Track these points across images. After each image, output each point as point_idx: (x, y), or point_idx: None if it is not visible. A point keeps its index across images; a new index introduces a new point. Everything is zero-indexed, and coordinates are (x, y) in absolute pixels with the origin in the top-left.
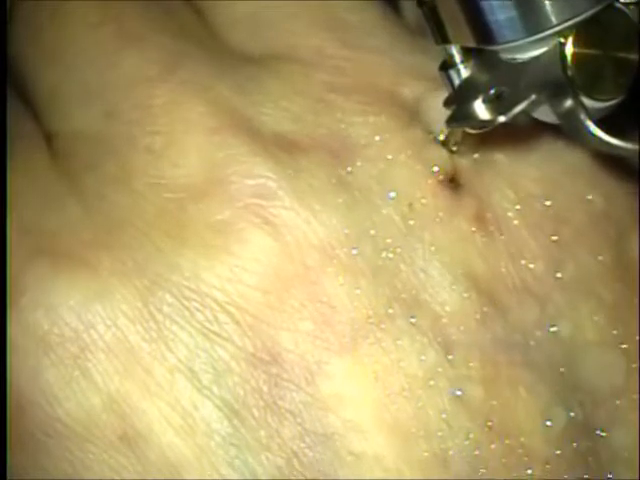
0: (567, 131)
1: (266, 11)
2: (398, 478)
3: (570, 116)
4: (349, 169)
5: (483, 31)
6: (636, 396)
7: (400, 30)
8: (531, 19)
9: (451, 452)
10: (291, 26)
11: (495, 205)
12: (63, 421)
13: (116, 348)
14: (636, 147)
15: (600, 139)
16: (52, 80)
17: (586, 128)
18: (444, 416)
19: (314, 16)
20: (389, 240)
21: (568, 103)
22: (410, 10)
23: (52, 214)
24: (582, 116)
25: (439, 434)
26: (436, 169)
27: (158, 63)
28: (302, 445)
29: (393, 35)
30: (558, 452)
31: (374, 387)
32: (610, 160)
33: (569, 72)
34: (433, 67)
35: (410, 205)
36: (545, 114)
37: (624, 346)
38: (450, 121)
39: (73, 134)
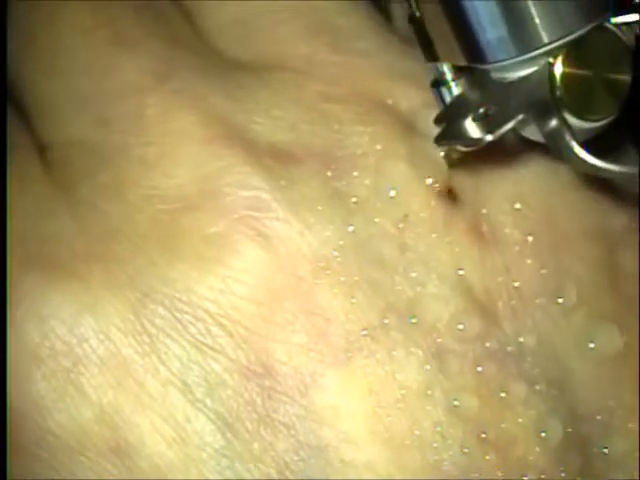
0: (553, 151)
1: (254, 16)
2: None
3: (556, 136)
4: (344, 180)
5: (473, 50)
6: (635, 406)
7: (390, 35)
8: (521, 38)
9: (445, 464)
10: (280, 32)
11: (491, 217)
12: (55, 433)
13: (109, 361)
14: (621, 169)
15: (584, 161)
16: (45, 88)
17: (571, 149)
18: (438, 428)
19: (303, 21)
20: (384, 251)
21: (554, 123)
22: (401, 16)
23: (45, 225)
24: (567, 137)
25: (434, 445)
26: (432, 180)
27: (151, 72)
28: (295, 458)
29: (384, 39)
30: (553, 463)
31: (368, 399)
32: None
33: (557, 92)
34: (425, 73)
35: (406, 216)
36: (534, 133)
37: (621, 357)
38: (440, 139)
39: (66, 144)
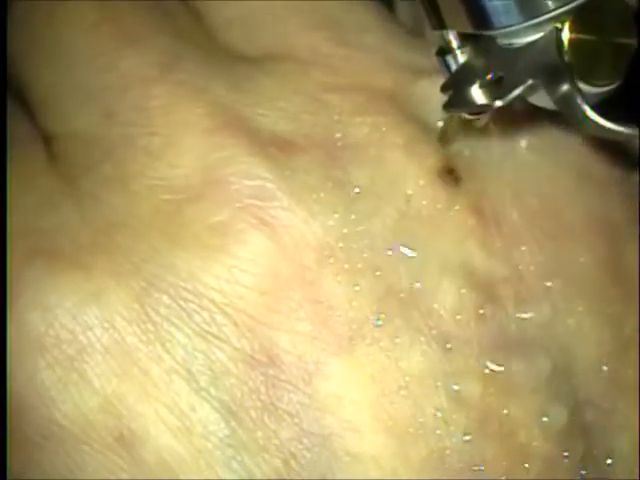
0: (564, 116)
1: (259, 11)
2: (395, 478)
3: (567, 101)
4: (346, 169)
5: (480, 16)
6: (636, 397)
7: (394, 27)
8: (528, 4)
9: (448, 451)
10: (285, 25)
11: (493, 199)
12: (59, 423)
13: (113, 350)
14: (634, 131)
15: (597, 124)
16: (49, 81)
17: (583, 113)
18: (441, 414)
19: (308, 15)
20: (387, 237)
21: (564, 88)
22: (405, 10)
23: (49, 215)
24: (579, 101)
25: (437, 432)
26: (434, 164)
27: (155, 64)
28: (300, 446)
29: (387, 32)
30: (556, 449)
31: (372, 387)
32: (607, 161)
33: (566, 57)
34: (428, 64)
35: (408, 201)
36: (542, 99)
37: (623, 347)
38: (447, 106)
39: (70, 136)
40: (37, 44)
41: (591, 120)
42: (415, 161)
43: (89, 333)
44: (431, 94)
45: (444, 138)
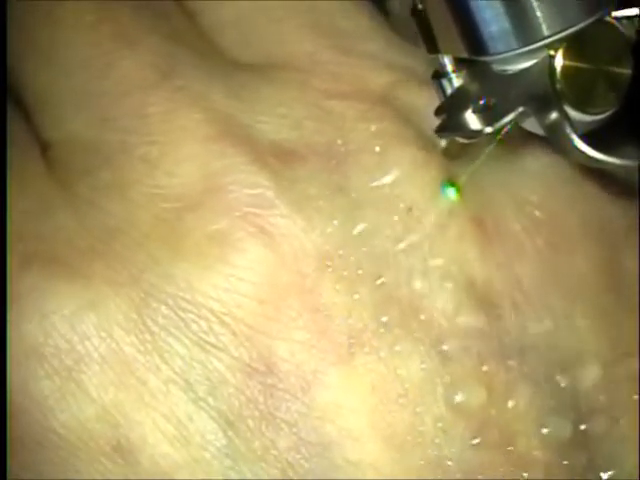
0: (553, 144)
1: (256, 15)
2: None
3: (556, 129)
4: (347, 176)
5: (475, 42)
6: (636, 406)
7: (391, 34)
8: (523, 30)
9: (447, 460)
10: (283, 31)
11: (494, 210)
12: (57, 432)
13: (111, 359)
14: (621, 162)
15: (585, 153)
16: (47, 85)
17: (571, 142)
18: (440, 424)
19: (306, 20)
20: (388, 247)
21: (554, 116)
22: (404, 18)
23: (46, 222)
24: (567, 129)
25: (436, 441)
26: (436, 174)
27: (153, 69)
28: (298, 456)
29: (386, 39)
30: (556, 459)
31: (371, 395)
32: (605, 172)
33: (558, 85)
34: (427, 72)
35: (409, 210)
36: (534, 126)
37: (621, 356)
38: (440, 130)
39: (68, 142)
40: (34, 46)
41: (579, 149)
42: (418, 170)
43: (87, 343)
44: (432, 102)
45: (447, 149)
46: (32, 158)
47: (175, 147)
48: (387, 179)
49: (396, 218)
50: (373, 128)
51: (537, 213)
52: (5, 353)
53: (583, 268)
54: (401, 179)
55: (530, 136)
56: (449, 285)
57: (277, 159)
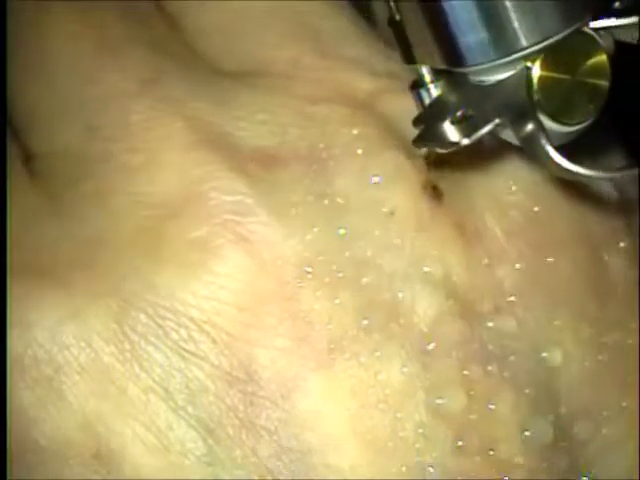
0: (529, 155)
1: (238, 20)
2: None
3: (531, 140)
4: (329, 181)
5: (452, 53)
6: (621, 407)
7: (373, 38)
8: (500, 42)
9: (428, 465)
10: (264, 36)
11: (475, 213)
12: (38, 442)
13: (90, 369)
14: (595, 174)
15: (559, 165)
16: (30, 96)
17: (546, 153)
18: (421, 430)
19: (287, 25)
20: (369, 251)
21: (530, 127)
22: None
23: (30, 232)
24: (542, 140)
25: (416, 446)
26: (417, 179)
27: (136, 79)
28: (278, 463)
29: (367, 43)
30: (538, 463)
31: (351, 401)
32: None
33: (535, 96)
34: (410, 77)
35: (392, 214)
36: (512, 137)
37: (605, 359)
38: (417, 141)
39: (52, 152)
40: (17, 57)
41: (554, 161)
42: (400, 175)
43: (66, 352)
44: (414, 106)
45: (429, 154)
46: (16, 170)
47: (157, 155)
48: (369, 183)
49: (378, 222)
50: (355, 132)
51: (519, 217)
52: (5, 355)
53: (566, 271)
54: (383, 183)
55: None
56: (430, 289)
57: (258, 165)
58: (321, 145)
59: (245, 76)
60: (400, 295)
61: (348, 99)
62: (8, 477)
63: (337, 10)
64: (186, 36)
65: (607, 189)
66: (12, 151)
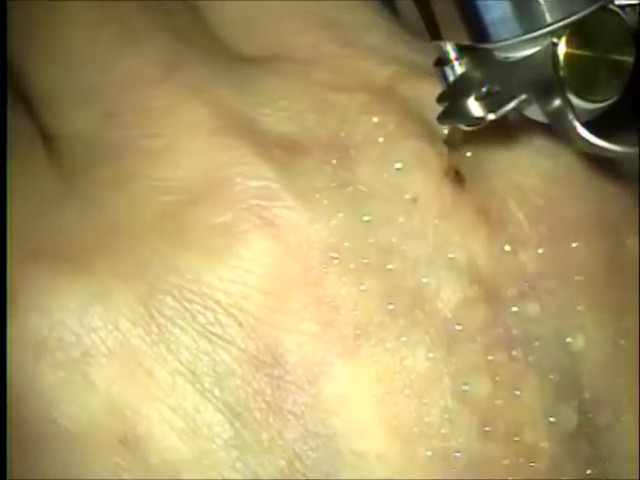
0: (555, 131)
1: (260, 10)
2: (400, 477)
3: (558, 116)
4: (351, 168)
5: (478, 29)
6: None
7: (395, 27)
8: (526, 18)
9: (454, 451)
10: (285, 25)
11: (497, 199)
12: (63, 425)
13: (118, 352)
14: (623, 149)
15: (587, 140)
16: (51, 80)
17: (574, 129)
18: (447, 415)
19: (308, 14)
20: (393, 238)
21: (557, 103)
22: (409, 10)
23: (50, 217)
24: (570, 116)
25: (442, 432)
26: (440, 165)
27: (158, 64)
28: (304, 447)
29: (389, 31)
30: (563, 449)
31: (377, 387)
32: (608, 160)
33: (561, 72)
34: (430, 64)
35: (414, 201)
36: (536, 113)
37: (626, 344)
38: (442, 117)
39: (72, 136)
40: (39, 43)
41: (581, 137)
42: (421, 162)
43: (93, 335)
44: (435, 94)
45: (450, 140)
46: (35, 154)
47: (179, 140)
48: (391, 170)
49: (401, 209)
50: (376, 120)
51: (541, 202)
52: (5, 350)
53: (585, 256)
54: (405, 170)
55: (532, 124)
56: (454, 275)
57: (282, 151)
58: (342, 133)
59: (266, 62)
60: (425, 281)
61: (368, 86)
62: (8, 477)
63: (360, 1)
64: (209, 26)
65: (628, 172)
66: (31, 134)
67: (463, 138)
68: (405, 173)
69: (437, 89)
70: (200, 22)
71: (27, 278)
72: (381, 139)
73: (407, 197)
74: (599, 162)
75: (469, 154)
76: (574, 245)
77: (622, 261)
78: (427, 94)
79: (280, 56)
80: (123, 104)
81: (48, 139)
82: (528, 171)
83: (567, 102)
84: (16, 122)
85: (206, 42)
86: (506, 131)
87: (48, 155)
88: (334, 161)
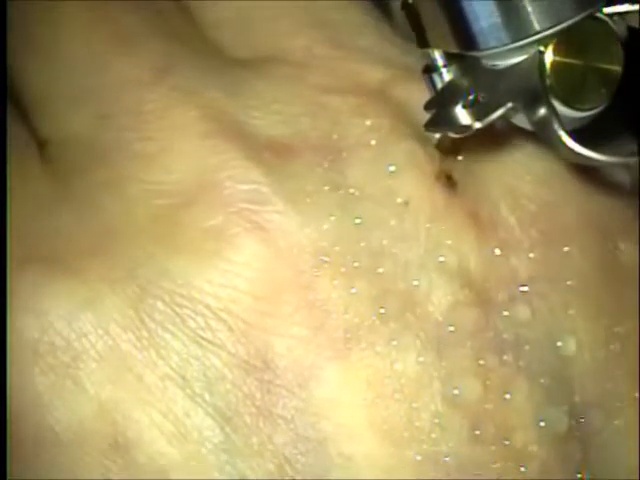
0: (541, 139)
1: (251, 11)
2: None
3: (544, 125)
4: (343, 171)
5: (466, 37)
6: (635, 397)
7: (386, 29)
8: (514, 26)
9: (444, 455)
10: (277, 26)
11: (489, 203)
12: (53, 429)
13: (108, 356)
14: (609, 159)
15: (571, 149)
16: (44, 82)
17: (559, 138)
18: (437, 419)
19: (300, 16)
20: (385, 241)
21: (543, 112)
22: (400, 14)
23: (43, 220)
24: (555, 125)
25: (432, 436)
26: (432, 168)
27: (150, 67)
28: (294, 451)
29: (380, 34)
30: (553, 453)
31: (367, 391)
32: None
33: (547, 81)
34: (422, 65)
35: (406, 204)
36: (524, 121)
37: (618, 349)
38: (429, 125)
39: (65, 139)
40: (31, 44)
41: (567, 146)
42: (413, 165)
43: (84, 340)
44: (427, 97)
45: (442, 144)
46: (29, 157)
47: (171, 143)
48: (383, 173)
49: (393, 213)
50: (369, 123)
51: (532, 206)
52: (5, 353)
53: (580, 260)
54: (397, 173)
55: (523, 129)
56: (445, 278)
57: (272, 154)
58: (334, 135)
59: (258, 65)
60: (415, 284)
61: (361, 89)
62: (8, 477)
63: (351, 2)
64: (200, 27)
65: (620, 177)
66: (25, 137)
67: (454, 143)
68: (397, 176)
69: (428, 92)
70: (192, 23)
71: (20, 280)
72: (374, 142)
73: (399, 200)
74: (591, 167)
75: (461, 158)
76: (566, 249)
77: (615, 265)
78: (419, 97)
79: (273, 58)
80: (116, 107)
81: (42, 143)
82: (520, 175)
83: (552, 110)
84: (10, 128)
85: (199, 44)
86: (499, 135)
87: (42, 158)
88: (326, 164)
